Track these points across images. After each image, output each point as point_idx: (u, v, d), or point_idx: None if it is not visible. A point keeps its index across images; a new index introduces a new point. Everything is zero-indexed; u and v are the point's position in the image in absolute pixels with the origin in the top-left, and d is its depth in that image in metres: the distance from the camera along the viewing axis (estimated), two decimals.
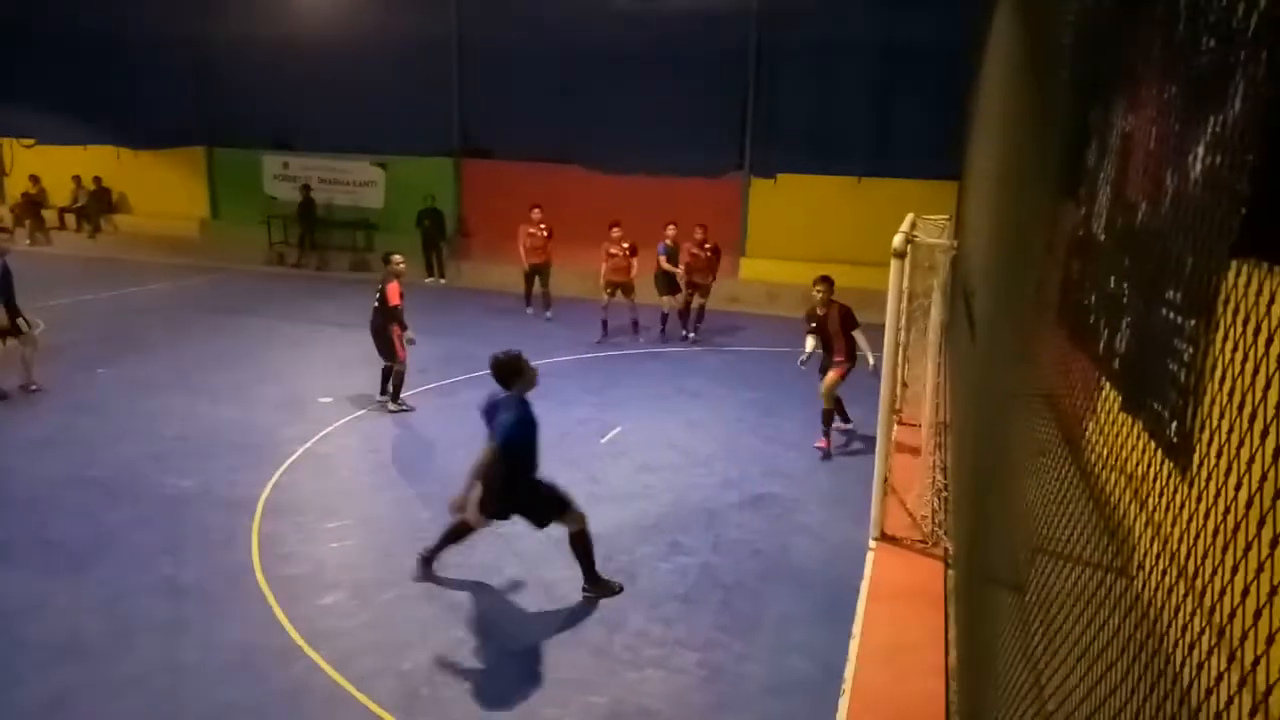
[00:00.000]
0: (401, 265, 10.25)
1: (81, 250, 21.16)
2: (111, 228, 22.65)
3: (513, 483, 5.99)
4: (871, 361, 8.66)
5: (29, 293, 15.73)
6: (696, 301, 14.23)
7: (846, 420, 9.63)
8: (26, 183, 22.65)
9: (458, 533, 6.31)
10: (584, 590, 6.30)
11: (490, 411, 5.99)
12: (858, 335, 9.04)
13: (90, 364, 11.71)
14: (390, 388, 10.29)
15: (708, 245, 14.32)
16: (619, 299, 13.96)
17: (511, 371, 5.95)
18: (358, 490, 8.23)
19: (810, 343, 9.24)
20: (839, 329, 9.08)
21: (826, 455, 9.13)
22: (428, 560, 6.45)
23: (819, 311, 9.16)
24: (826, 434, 9.24)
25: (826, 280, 9.20)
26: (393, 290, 9.96)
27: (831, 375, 9.09)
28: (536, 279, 15.38)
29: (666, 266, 13.94)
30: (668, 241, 14.00)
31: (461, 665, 5.46)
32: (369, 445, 9.34)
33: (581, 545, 6.26)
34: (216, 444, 9.00)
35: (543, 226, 15.07)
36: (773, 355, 13.05)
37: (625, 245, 14.06)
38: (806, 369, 9.28)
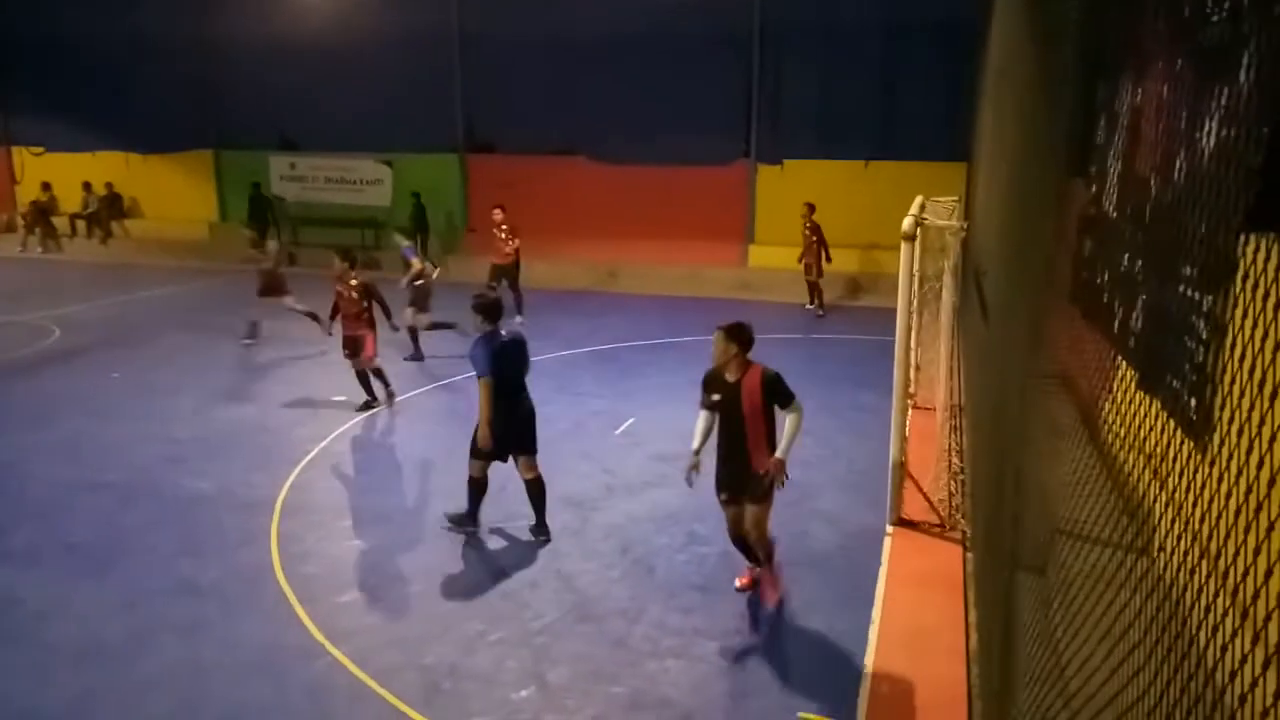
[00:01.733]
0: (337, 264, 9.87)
1: (93, 256, 21.26)
2: (123, 233, 22.75)
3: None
4: (782, 456, 5.57)
5: (41, 300, 15.88)
6: (810, 278, 15.04)
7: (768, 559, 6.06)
8: (38, 190, 22.77)
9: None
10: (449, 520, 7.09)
11: (508, 353, 6.75)
12: (790, 420, 5.59)
13: (105, 369, 11.79)
14: (369, 388, 10.05)
15: (808, 225, 14.62)
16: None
17: (502, 309, 6.99)
18: (374, 488, 8.25)
19: (702, 426, 5.84)
20: (758, 407, 5.61)
21: (780, 602, 6.03)
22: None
23: (727, 379, 5.69)
24: (762, 564, 6.06)
25: (733, 330, 5.65)
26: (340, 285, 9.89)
27: (761, 506, 5.75)
28: (503, 281, 14.11)
29: (407, 279, 12.10)
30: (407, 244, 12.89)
31: (482, 658, 5.48)
32: (384, 442, 9.37)
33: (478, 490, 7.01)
34: (232, 445, 9.06)
35: (505, 228, 14.18)
36: (783, 343, 12.99)
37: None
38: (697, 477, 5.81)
